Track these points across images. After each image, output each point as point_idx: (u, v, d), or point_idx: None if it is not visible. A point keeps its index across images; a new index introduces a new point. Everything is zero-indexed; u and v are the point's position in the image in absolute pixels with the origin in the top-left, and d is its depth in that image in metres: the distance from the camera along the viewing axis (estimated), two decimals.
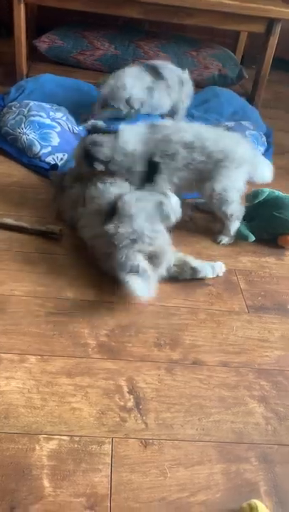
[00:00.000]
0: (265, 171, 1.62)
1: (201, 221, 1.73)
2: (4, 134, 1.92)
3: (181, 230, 1.66)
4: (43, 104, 2.01)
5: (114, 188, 1.45)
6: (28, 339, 1.20)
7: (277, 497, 0.98)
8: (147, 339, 1.26)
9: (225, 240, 1.63)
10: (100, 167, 1.50)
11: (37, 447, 0.99)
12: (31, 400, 1.07)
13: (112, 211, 1.35)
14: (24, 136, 1.86)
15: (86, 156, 1.51)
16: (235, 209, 1.59)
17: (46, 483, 0.93)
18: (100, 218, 1.37)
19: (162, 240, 1.37)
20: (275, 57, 2.44)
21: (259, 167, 1.61)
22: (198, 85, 2.62)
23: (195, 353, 1.25)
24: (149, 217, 1.35)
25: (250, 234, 1.62)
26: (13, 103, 2.06)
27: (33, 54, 2.58)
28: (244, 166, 1.56)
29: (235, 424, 1.10)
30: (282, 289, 1.50)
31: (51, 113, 1.96)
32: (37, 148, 1.83)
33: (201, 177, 1.55)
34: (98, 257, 1.39)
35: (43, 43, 2.57)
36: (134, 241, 1.30)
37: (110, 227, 1.31)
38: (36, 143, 1.84)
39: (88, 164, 1.51)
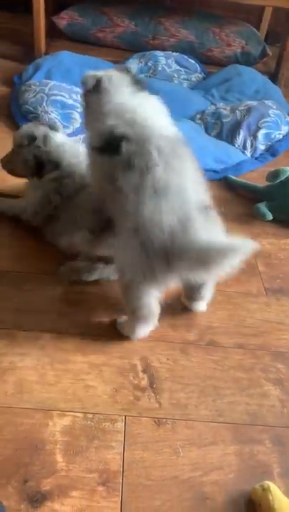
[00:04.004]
0: None
1: (219, 202, 1.69)
2: (25, 113, 1.91)
3: None
4: (64, 84, 1.99)
5: None
6: (43, 317, 1.20)
7: None
8: (162, 319, 1.25)
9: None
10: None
11: (50, 423, 0.99)
12: (45, 376, 1.08)
13: None
14: (46, 115, 1.84)
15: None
16: None
17: (59, 458, 0.94)
18: None
19: None
20: None
21: None
22: (220, 63, 2.56)
23: (210, 334, 1.24)
24: None
25: (268, 212, 1.58)
26: (31, 81, 2.04)
27: (52, 31, 2.54)
28: None
29: (250, 406, 1.09)
30: None
31: (73, 94, 1.93)
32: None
33: None
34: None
35: (62, 20, 2.53)
36: None
37: None
38: (58, 123, 1.82)
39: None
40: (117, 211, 1.09)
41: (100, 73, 1.17)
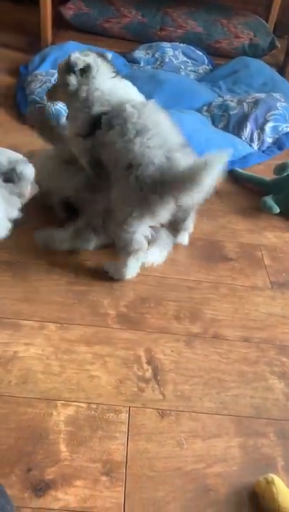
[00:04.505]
0: None
1: (226, 194, 1.69)
2: (31, 103, 1.89)
3: (205, 203, 1.63)
4: None
5: None
6: (48, 307, 1.20)
7: None
8: (167, 312, 1.25)
9: None
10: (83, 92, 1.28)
11: (54, 413, 0.99)
12: (50, 366, 1.07)
13: None
14: (52, 106, 1.82)
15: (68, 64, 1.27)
16: None
17: (63, 447, 0.94)
18: None
19: None
20: None
21: None
22: (228, 55, 2.53)
23: (215, 327, 1.23)
24: None
25: (275, 205, 1.57)
26: (38, 71, 2.03)
27: (58, 21, 2.52)
28: None
29: (255, 399, 1.08)
30: None
31: None
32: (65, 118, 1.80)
33: None
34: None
35: (69, 10, 2.51)
36: None
37: None
38: (65, 113, 1.80)
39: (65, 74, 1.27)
40: (110, 160, 1.22)
41: (88, 58, 1.25)
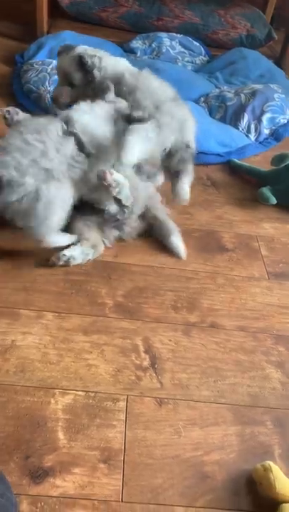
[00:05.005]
0: None
1: (223, 186, 1.69)
2: (27, 91, 1.88)
3: (202, 194, 1.63)
4: None
5: None
6: (45, 296, 1.20)
7: None
8: (164, 301, 1.25)
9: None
10: (97, 74, 1.47)
11: (52, 401, 0.99)
12: (47, 355, 1.07)
13: None
14: (49, 95, 1.81)
15: (81, 63, 1.47)
16: None
17: (61, 435, 0.94)
18: None
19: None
20: None
21: None
22: (225, 46, 2.52)
23: (212, 316, 1.23)
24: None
25: (272, 196, 1.57)
26: (34, 60, 2.01)
27: (54, 10, 2.50)
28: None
29: (252, 387, 1.09)
30: None
31: None
32: None
33: None
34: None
35: None
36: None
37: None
38: None
39: (84, 72, 1.48)
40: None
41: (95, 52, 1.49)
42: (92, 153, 1.24)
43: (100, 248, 1.32)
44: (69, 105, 1.54)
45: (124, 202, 1.27)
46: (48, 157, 1.17)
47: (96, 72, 1.47)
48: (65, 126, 1.22)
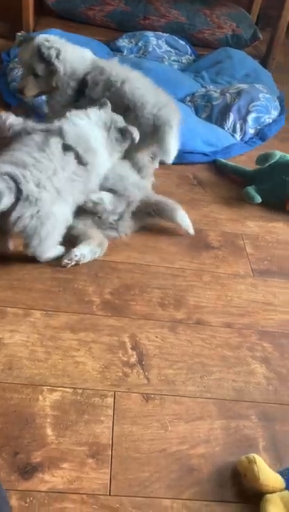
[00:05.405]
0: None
1: (209, 185, 1.71)
2: (13, 90, 1.87)
3: (189, 193, 1.65)
4: None
5: None
6: (33, 294, 1.20)
7: (276, 453, 1.00)
8: (151, 299, 1.26)
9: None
10: (60, 67, 1.46)
11: (40, 398, 1.00)
12: (35, 352, 1.08)
13: None
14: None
15: (41, 55, 1.45)
16: None
17: (49, 431, 0.95)
18: None
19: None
20: None
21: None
22: (211, 46, 2.55)
23: (199, 313, 1.25)
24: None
25: (257, 195, 1.60)
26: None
27: (40, 7, 2.49)
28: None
29: (237, 383, 1.11)
30: (288, 254, 1.49)
31: None
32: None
33: None
34: None
35: None
36: None
37: None
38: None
39: (46, 63, 1.46)
40: None
41: (55, 43, 1.47)
42: (89, 161, 1.25)
43: (105, 246, 1.34)
44: (35, 96, 1.57)
45: (112, 212, 1.33)
46: (57, 176, 1.18)
47: (58, 65, 1.45)
48: (61, 141, 1.22)
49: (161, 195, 1.48)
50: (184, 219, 1.45)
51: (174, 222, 1.44)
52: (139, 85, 1.46)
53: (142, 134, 1.38)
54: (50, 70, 1.47)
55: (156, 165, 1.61)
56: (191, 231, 1.45)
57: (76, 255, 1.27)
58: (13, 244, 1.27)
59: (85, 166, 1.24)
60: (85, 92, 1.48)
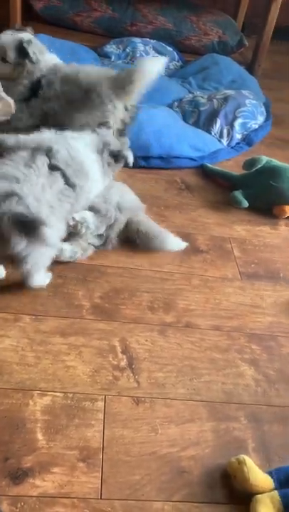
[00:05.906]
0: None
1: (197, 189, 1.73)
2: None
3: (177, 197, 1.67)
4: None
5: None
6: (22, 299, 1.20)
7: (265, 454, 1.01)
8: (141, 302, 1.27)
9: None
10: (31, 65, 1.55)
11: (31, 402, 1.00)
12: (25, 357, 1.08)
13: None
14: None
15: (21, 46, 1.54)
16: None
17: (40, 436, 0.95)
18: None
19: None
20: (275, 26, 2.39)
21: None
22: (197, 52, 2.58)
23: (188, 316, 1.26)
24: None
25: (244, 200, 1.62)
26: None
27: (28, 13, 2.50)
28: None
29: (226, 385, 1.12)
30: (275, 258, 1.51)
31: None
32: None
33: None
34: None
35: (39, 2, 2.49)
36: None
37: None
38: None
39: (20, 55, 1.54)
40: (63, 104, 1.57)
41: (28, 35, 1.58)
42: (79, 184, 1.22)
43: (89, 251, 1.35)
44: None
45: (96, 232, 1.34)
46: (46, 193, 1.14)
47: (29, 63, 1.55)
48: (48, 160, 1.18)
49: (150, 220, 1.45)
50: (176, 244, 1.44)
51: (163, 250, 1.42)
52: (90, 69, 1.60)
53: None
54: (19, 62, 1.55)
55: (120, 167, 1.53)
56: (183, 246, 1.45)
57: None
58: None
59: (73, 188, 1.21)
60: (37, 94, 1.58)
